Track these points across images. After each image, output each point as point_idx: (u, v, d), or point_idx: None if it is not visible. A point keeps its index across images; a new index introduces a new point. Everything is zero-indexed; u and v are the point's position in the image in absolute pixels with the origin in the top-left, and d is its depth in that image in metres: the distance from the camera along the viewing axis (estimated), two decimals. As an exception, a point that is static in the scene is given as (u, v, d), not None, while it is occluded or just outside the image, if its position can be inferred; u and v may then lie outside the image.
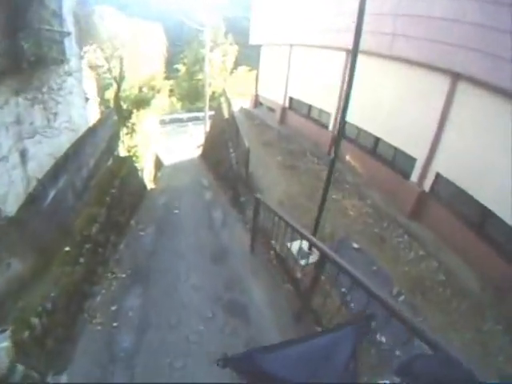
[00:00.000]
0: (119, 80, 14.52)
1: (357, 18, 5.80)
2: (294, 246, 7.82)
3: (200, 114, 37.10)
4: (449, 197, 9.55)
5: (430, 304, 7.20)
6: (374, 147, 12.79)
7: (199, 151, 27.47)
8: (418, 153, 10.44)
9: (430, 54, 9.50)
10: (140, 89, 16.94)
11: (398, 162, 11.63)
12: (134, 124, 16.14)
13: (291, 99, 18.89)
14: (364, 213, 10.97)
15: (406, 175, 11.08)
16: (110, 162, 11.15)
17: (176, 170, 21.12)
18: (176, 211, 12.03)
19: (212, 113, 27.72)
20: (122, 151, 13.61)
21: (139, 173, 14.58)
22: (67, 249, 6.80)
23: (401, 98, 11.17)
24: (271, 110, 20.71)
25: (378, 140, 12.52)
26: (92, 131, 9.89)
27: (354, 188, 12.48)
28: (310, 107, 17.26)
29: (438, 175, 9.84)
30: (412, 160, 10.78)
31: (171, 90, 45.52)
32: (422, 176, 10.36)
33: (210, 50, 29.57)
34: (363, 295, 3.61)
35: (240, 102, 24.27)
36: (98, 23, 14.75)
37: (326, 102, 15.64)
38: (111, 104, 15.91)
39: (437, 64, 9.38)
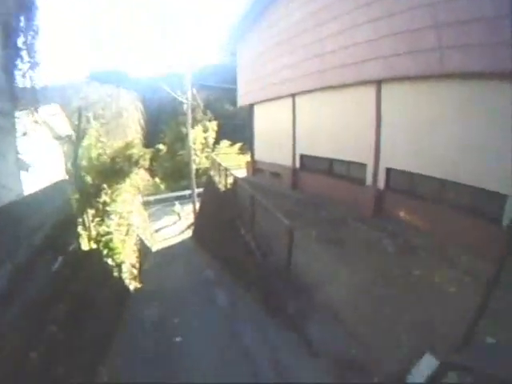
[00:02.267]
0: (77, 141, 9.73)
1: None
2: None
3: (186, 193, 33.62)
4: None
5: None
6: (439, 193, 8.71)
7: (191, 232, 22.82)
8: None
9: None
10: (113, 159, 12.21)
11: (481, 204, 7.74)
12: (105, 203, 11.27)
13: (303, 158, 14.53)
14: (467, 284, 6.42)
15: (495, 221, 7.14)
16: (57, 265, 6.13)
17: (168, 258, 16.05)
18: (178, 339, 6.78)
19: (200, 190, 24.89)
20: (87, 243, 8.70)
21: (115, 271, 9.56)
22: None
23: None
24: (276, 175, 16.22)
25: (444, 183, 8.50)
26: (19, 211, 5.00)
27: (431, 253, 7.92)
28: (331, 162, 12.86)
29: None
30: (498, 198, 7.06)
31: (153, 170, 41.64)
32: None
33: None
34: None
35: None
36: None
37: (356, 151, 11.33)
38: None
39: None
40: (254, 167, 18.21)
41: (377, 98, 10.15)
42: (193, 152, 27.56)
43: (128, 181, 13.19)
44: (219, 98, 50.71)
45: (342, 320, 5.73)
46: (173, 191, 37.17)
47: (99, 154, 11.84)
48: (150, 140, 41.28)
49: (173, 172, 40.97)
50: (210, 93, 46.47)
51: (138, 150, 13.75)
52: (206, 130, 41.32)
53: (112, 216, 11.79)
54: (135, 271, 12.45)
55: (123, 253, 11.32)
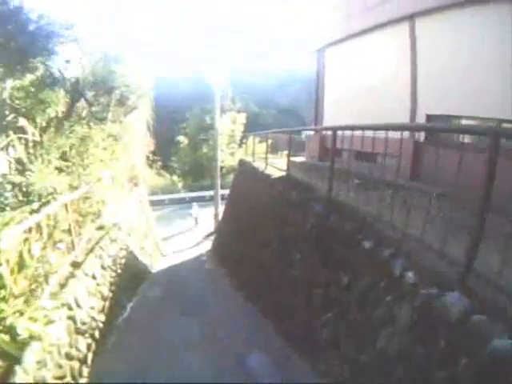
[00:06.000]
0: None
1: None
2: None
3: (206, 194, 28.18)
4: None
5: None
6: None
7: (210, 245, 16.16)
8: None
9: None
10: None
11: None
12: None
13: (433, 121, 7.53)
14: None
15: None
16: None
17: (171, 297, 8.87)
18: None
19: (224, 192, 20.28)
20: None
21: None
22: None
23: None
24: (368, 156, 8.95)
25: None
26: None
27: None
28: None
29: None
30: None
31: (169, 167, 35.22)
32: None
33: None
34: None
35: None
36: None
37: None
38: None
39: None
40: (323, 146, 10.93)
41: None
42: (219, 144, 21.54)
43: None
44: (245, 98, 45.90)
45: None
46: (191, 191, 30.65)
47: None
48: (168, 134, 35.05)
49: (193, 169, 34.55)
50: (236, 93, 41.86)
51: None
52: (233, 122, 34.54)
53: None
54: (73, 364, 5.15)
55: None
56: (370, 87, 9.17)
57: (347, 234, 4.26)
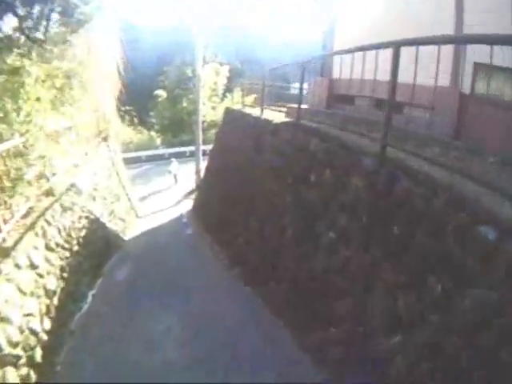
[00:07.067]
0: None
1: None
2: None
3: (187, 149, 26.71)
4: None
5: None
6: None
7: (191, 204, 14.50)
8: None
9: None
10: None
11: None
12: None
13: (483, 70, 5.53)
14: None
15: None
16: None
17: (143, 287, 7.01)
18: None
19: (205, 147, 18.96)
20: None
21: None
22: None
23: None
24: (383, 104, 6.96)
25: None
26: None
27: None
28: None
29: None
30: None
31: (147, 122, 32.85)
32: None
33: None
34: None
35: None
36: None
37: None
38: None
39: None
40: (332, 92, 8.84)
41: None
42: (201, 97, 19.95)
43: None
44: (227, 52, 42.88)
45: None
46: (171, 147, 28.81)
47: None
48: (145, 89, 32.41)
49: (172, 123, 32.18)
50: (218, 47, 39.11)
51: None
52: (216, 74, 31.92)
53: None
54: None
55: None
56: (401, 29, 7.15)
57: (438, 212, 2.48)
